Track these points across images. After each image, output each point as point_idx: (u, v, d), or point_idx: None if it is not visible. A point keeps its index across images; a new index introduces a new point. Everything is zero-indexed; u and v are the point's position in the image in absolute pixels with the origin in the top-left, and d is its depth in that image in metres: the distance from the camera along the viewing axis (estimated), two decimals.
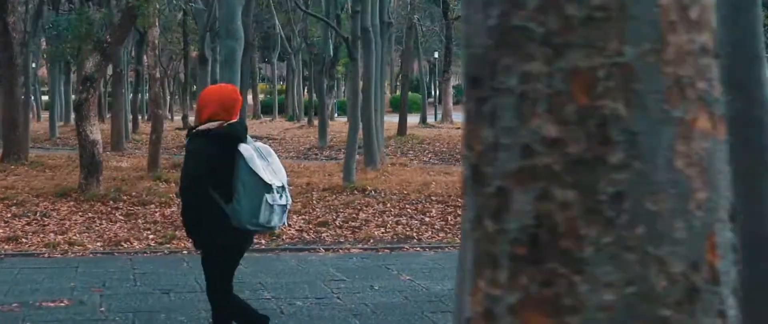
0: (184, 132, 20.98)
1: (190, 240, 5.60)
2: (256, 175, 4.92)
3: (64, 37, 15.95)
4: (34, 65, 45.70)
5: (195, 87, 28.09)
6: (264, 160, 5.06)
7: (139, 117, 36.53)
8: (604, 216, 1.20)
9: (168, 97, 49.32)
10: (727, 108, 3.54)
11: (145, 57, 22.08)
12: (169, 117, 46.67)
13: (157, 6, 13.91)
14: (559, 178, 1.21)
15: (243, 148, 4.96)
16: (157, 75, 15.25)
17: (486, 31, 1.26)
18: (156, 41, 14.96)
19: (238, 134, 5.05)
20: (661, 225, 1.21)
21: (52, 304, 7.54)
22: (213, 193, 4.98)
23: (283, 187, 5.08)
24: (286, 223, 6.19)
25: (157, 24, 14.78)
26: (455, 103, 44.47)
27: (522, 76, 1.22)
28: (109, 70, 24.25)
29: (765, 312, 3.41)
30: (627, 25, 1.20)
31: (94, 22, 12.99)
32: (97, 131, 12.74)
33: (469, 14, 1.30)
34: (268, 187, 4.96)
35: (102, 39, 12.60)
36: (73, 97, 31.82)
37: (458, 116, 32.48)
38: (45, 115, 42.69)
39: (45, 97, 49.36)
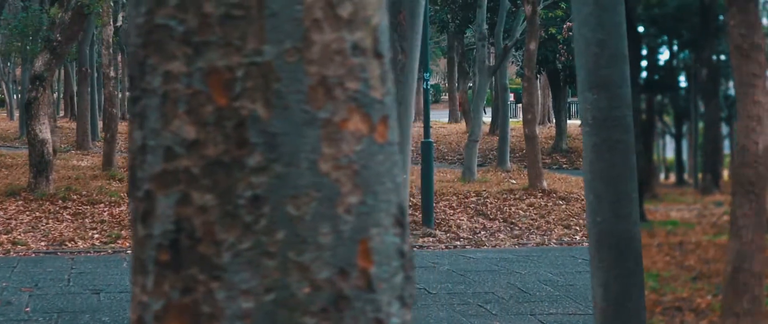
0: None
1: None
2: None
3: (14, 35, 15.81)
4: (9, 64, 45.40)
5: None
6: None
7: None
8: (242, 221, 1.16)
9: None
10: (592, 107, 3.49)
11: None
12: None
13: (111, 5, 13.81)
14: (198, 181, 1.17)
15: None
16: (111, 74, 15.18)
17: (136, 29, 1.22)
18: (110, 40, 14.88)
19: None
20: (303, 230, 1.17)
21: None
22: None
23: None
24: None
25: (111, 23, 14.69)
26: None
27: (165, 75, 1.18)
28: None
29: (631, 308, 3.39)
30: (266, 24, 1.16)
31: (44, 20, 12.87)
32: (47, 130, 12.63)
33: (129, 11, 1.26)
34: None
35: (52, 37, 12.48)
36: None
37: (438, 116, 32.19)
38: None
39: None
